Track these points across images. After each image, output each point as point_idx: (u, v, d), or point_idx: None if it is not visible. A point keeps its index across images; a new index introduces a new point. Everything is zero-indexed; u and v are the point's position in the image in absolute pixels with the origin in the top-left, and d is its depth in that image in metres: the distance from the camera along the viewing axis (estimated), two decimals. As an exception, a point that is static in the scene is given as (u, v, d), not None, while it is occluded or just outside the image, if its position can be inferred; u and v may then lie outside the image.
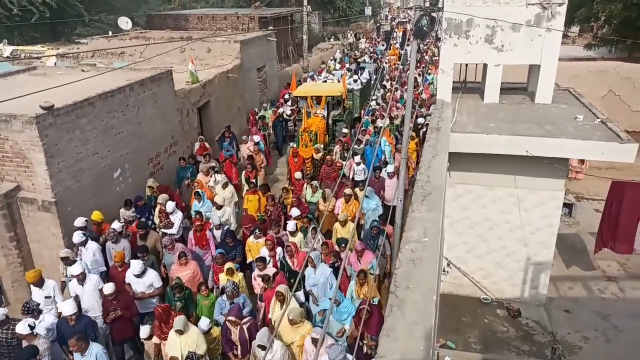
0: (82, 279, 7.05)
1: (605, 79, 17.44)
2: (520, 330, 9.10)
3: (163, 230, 9.26)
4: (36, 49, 19.63)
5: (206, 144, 12.94)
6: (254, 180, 10.95)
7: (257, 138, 13.14)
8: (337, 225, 8.85)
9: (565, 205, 11.82)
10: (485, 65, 10.35)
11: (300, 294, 7.31)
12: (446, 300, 9.69)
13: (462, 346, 8.71)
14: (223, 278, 7.48)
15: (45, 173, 8.14)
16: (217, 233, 8.91)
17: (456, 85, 10.99)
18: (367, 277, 7.04)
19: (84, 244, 7.93)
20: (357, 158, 11.43)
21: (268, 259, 7.96)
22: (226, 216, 9.43)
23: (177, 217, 9.30)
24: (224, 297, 6.99)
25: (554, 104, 10.09)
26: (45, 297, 6.95)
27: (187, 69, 13.74)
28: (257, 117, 15.71)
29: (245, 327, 6.42)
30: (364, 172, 11.23)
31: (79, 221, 8.29)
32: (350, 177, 11.22)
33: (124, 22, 21.07)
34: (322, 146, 12.95)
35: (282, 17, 27.81)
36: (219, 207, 9.39)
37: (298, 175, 11.17)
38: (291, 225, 8.56)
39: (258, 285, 7.79)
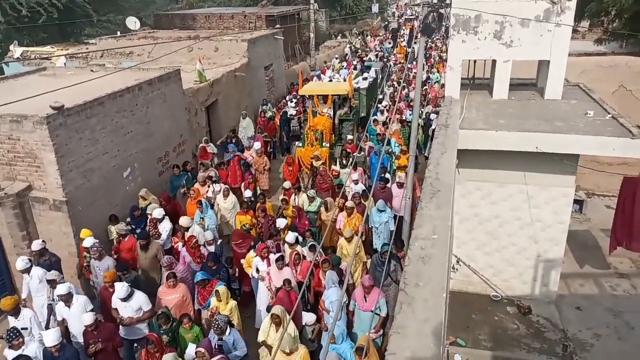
0: (68, 300, 6.61)
1: (616, 74, 17.23)
2: (530, 328, 9.05)
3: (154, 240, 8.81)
4: (45, 50, 19.80)
5: (208, 148, 12.58)
6: (251, 197, 10.08)
7: (257, 144, 12.50)
8: (342, 241, 8.30)
9: (575, 201, 11.71)
10: (494, 61, 10.27)
11: (308, 315, 6.82)
12: (456, 298, 9.64)
13: (472, 343, 8.68)
14: (214, 302, 6.84)
15: (56, 172, 8.22)
16: (212, 249, 8.41)
17: (464, 81, 10.92)
18: (370, 347, 5.81)
19: (27, 271, 7.30)
20: (355, 175, 10.48)
21: (263, 269, 7.66)
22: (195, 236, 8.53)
23: (165, 227, 8.92)
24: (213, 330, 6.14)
25: (564, 100, 10.00)
26: (22, 329, 6.39)
27: (195, 68, 13.79)
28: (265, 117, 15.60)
29: None
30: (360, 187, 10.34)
31: (36, 244, 7.78)
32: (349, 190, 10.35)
33: (132, 22, 21.19)
34: (327, 144, 12.92)
35: (289, 15, 27.81)
36: (187, 228, 8.71)
37: (287, 184, 10.46)
38: (290, 236, 8.09)
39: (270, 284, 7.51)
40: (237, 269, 8.40)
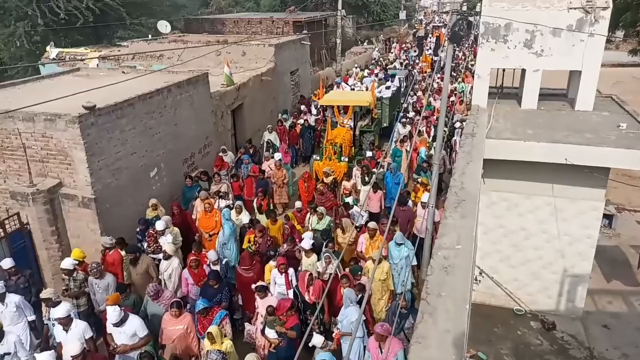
0: (66, 323, 6.16)
1: (651, 85, 16.75)
2: (554, 344, 8.81)
3: (152, 255, 8.31)
4: (80, 51, 20.44)
5: (225, 156, 12.16)
6: (261, 214, 9.61)
7: (278, 155, 12.18)
8: (369, 264, 7.48)
9: (605, 216, 11.39)
10: (523, 71, 10.11)
11: (317, 337, 6.05)
12: (478, 310, 9.47)
13: (494, 358, 8.50)
14: (207, 345, 6.09)
15: (85, 170, 8.44)
16: (215, 269, 7.84)
17: (492, 90, 10.78)
18: None
19: (1, 298, 6.79)
20: (365, 192, 9.64)
21: (280, 282, 7.36)
22: (170, 270, 7.75)
23: (165, 241, 8.29)
24: None
25: (595, 111, 9.76)
26: (5, 354, 6.09)
27: (222, 72, 14.00)
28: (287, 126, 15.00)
29: None
30: (362, 217, 9.49)
31: (6, 263, 7.35)
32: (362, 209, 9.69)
33: (163, 26, 21.70)
34: (346, 159, 12.38)
35: (316, 21, 28.01)
36: (167, 257, 7.75)
37: (298, 204, 9.68)
38: (306, 242, 7.80)
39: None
40: (240, 296, 7.79)
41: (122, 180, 9.29)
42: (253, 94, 15.41)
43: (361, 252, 8.29)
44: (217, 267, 7.82)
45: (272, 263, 7.87)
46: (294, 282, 7.48)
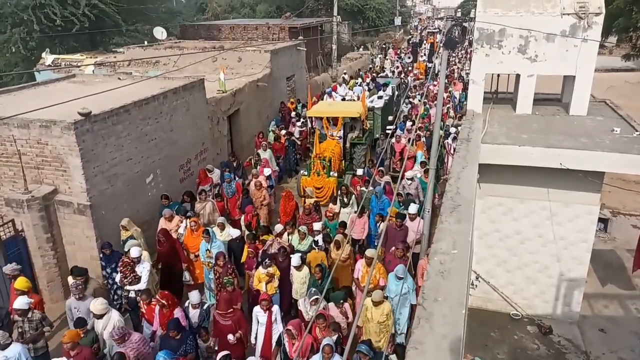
0: None
1: (644, 90, 16.89)
2: (551, 349, 8.81)
3: (127, 287, 7.52)
4: (75, 58, 20.43)
5: (210, 173, 11.33)
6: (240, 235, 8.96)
7: (267, 171, 11.36)
8: (368, 302, 6.71)
9: (600, 220, 11.43)
10: (517, 76, 10.18)
11: None
12: (474, 315, 9.46)
13: (491, 362, 8.50)
14: None
15: (81, 177, 8.42)
16: (195, 314, 6.85)
17: (487, 95, 10.84)
18: None
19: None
20: (346, 214, 8.99)
21: (263, 321, 6.69)
22: (110, 326, 6.42)
23: (144, 269, 7.54)
24: None
25: (590, 116, 9.82)
26: None
27: (218, 78, 14.02)
28: (267, 139, 13.97)
29: None
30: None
31: None
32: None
33: (159, 32, 21.72)
34: (335, 174, 11.66)
35: (312, 27, 28.11)
36: (100, 317, 6.47)
37: (279, 227, 8.83)
38: (295, 260, 7.44)
39: None
40: (216, 341, 6.69)
41: (118, 186, 9.26)
42: (249, 99, 15.43)
43: (357, 279, 7.74)
44: (197, 312, 6.87)
45: (261, 270, 7.56)
46: (279, 324, 6.78)
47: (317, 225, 8.79)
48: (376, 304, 6.61)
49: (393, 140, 13.12)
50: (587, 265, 9.11)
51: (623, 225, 12.82)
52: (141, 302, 7.06)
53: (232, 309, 6.79)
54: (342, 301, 6.83)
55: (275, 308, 6.88)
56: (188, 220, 8.88)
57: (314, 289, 6.98)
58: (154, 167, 10.38)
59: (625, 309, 9.86)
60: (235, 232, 9.02)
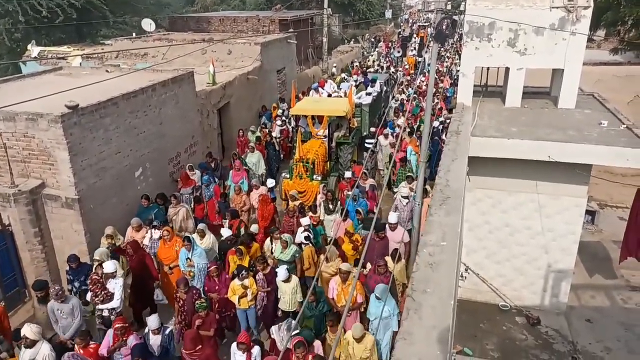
0: None
1: (631, 83, 17.00)
2: (539, 339, 8.93)
3: (100, 306, 7.03)
4: (62, 50, 20.12)
5: (191, 174, 10.79)
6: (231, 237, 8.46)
7: (271, 182, 10.78)
8: (349, 335, 6.18)
9: (587, 212, 11.57)
10: (507, 69, 10.22)
11: None
12: (464, 306, 9.56)
13: (480, 353, 8.58)
14: None
15: (69, 171, 8.33)
16: (156, 340, 6.37)
17: (477, 89, 10.88)
18: None
19: None
20: (330, 221, 8.48)
21: None
22: (39, 357, 5.87)
23: (117, 284, 7.05)
24: None
25: (578, 109, 9.90)
26: None
27: (207, 71, 13.90)
28: (248, 139, 13.34)
29: None
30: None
31: None
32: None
33: (148, 24, 21.47)
34: (319, 177, 10.87)
35: (302, 19, 27.96)
36: (31, 345, 5.84)
37: (255, 228, 8.49)
38: (282, 273, 7.13)
39: None
40: None
41: (107, 180, 9.18)
42: (239, 92, 15.34)
43: (332, 299, 7.21)
44: (158, 337, 6.40)
45: (236, 282, 7.18)
46: None
47: (305, 221, 8.69)
48: (358, 340, 6.08)
49: (393, 150, 11.96)
50: (575, 256, 9.22)
51: (610, 217, 12.98)
52: (76, 345, 6.14)
53: (200, 346, 6.28)
54: (310, 344, 6.05)
55: (256, 350, 6.28)
56: (153, 230, 8.41)
57: (292, 320, 6.53)
58: (143, 160, 10.29)
59: (611, 299, 10.02)
60: (226, 232, 8.66)
